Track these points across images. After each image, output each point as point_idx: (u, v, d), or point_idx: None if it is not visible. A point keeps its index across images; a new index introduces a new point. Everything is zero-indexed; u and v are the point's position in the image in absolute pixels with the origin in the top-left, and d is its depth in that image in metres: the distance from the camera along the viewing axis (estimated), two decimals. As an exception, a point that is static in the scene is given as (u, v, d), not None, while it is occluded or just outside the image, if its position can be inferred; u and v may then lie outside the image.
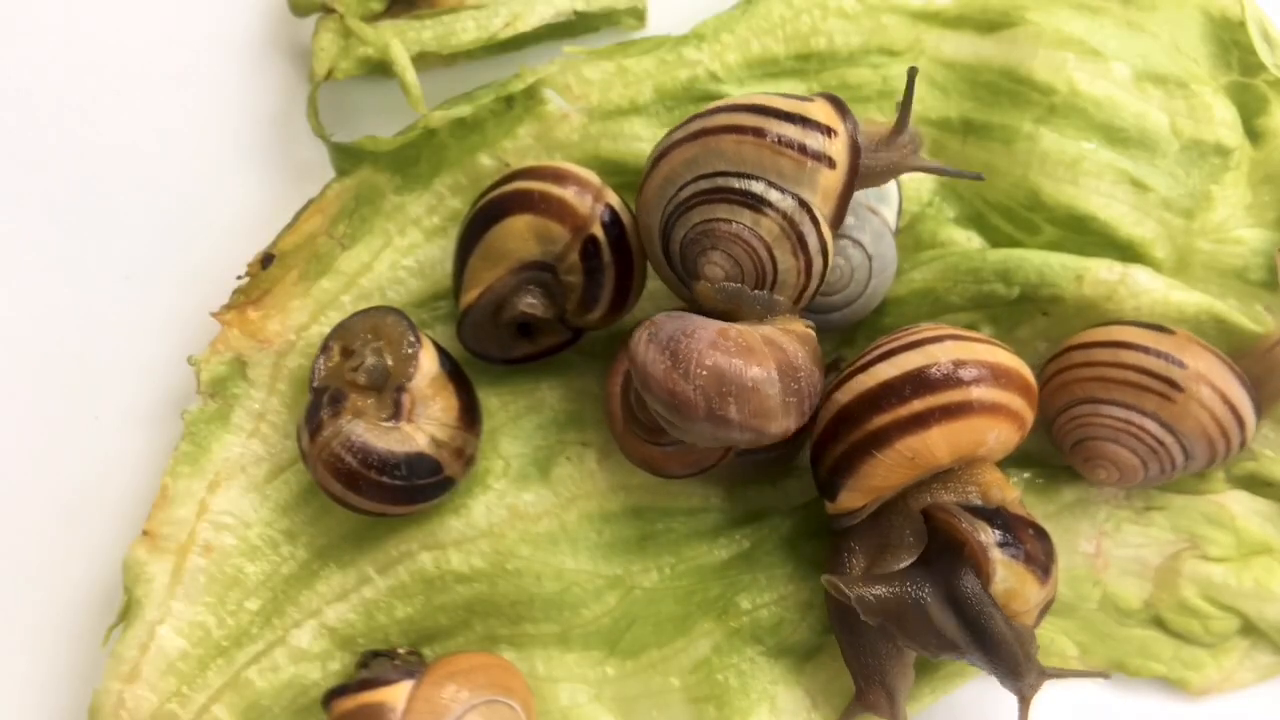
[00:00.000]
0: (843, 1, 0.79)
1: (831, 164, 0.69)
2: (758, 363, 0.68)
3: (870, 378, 0.71)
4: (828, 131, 0.69)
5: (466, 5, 0.81)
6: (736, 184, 0.69)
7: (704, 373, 0.67)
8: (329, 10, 0.80)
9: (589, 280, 0.75)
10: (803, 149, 0.69)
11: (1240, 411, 0.75)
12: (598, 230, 0.74)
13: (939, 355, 0.70)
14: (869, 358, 0.72)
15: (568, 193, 0.74)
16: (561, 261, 0.74)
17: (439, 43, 0.81)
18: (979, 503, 0.72)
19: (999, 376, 0.71)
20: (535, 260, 0.75)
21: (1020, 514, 0.72)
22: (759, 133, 0.69)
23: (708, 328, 0.69)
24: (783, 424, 0.69)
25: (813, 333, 0.72)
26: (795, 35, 0.79)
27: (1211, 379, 0.74)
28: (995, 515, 0.71)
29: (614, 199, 0.75)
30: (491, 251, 0.75)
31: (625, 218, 0.75)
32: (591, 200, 0.74)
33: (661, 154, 0.72)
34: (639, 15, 0.84)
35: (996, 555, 0.69)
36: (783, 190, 0.69)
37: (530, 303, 0.75)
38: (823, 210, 0.70)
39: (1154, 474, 0.76)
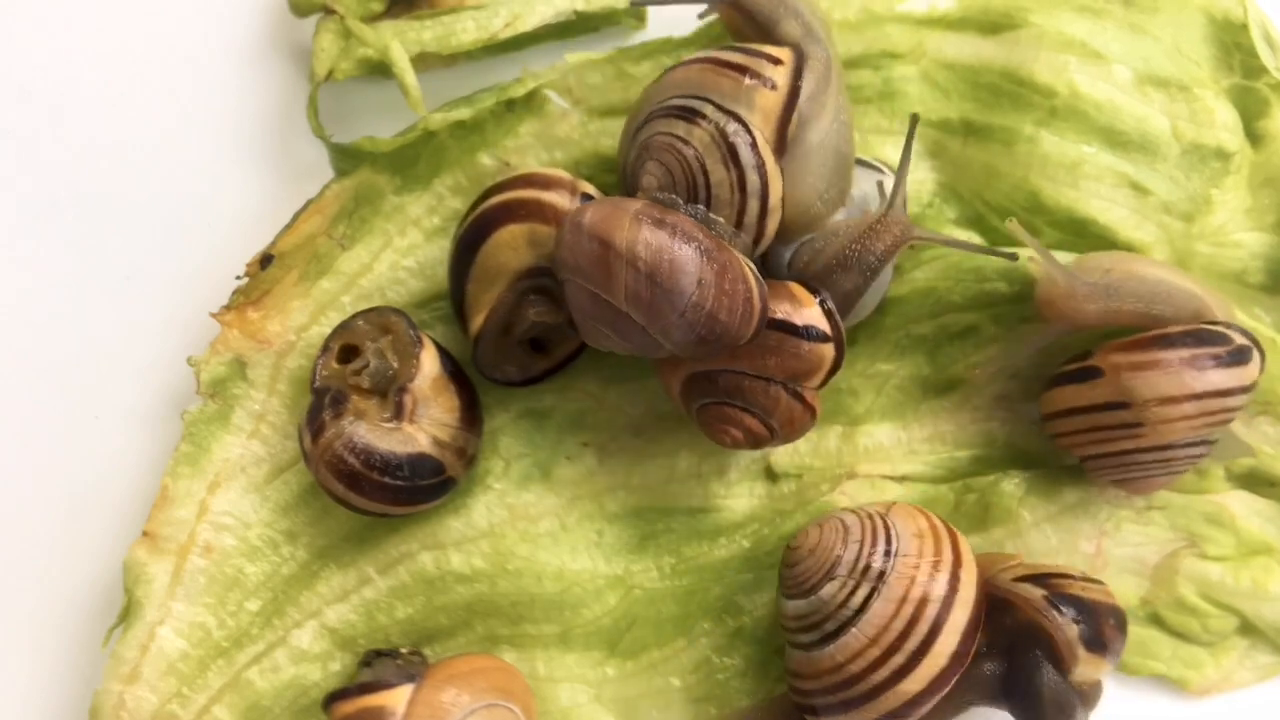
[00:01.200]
0: (845, 11, 0.79)
1: (772, 86, 0.71)
2: (684, 239, 0.68)
3: (864, 659, 0.69)
4: (773, 60, 0.71)
5: (466, 5, 0.81)
6: (678, 102, 0.71)
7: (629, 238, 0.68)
8: (329, 11, 0.80)
9: None
10: (742, 69, 0.71)
11: (1210, 387, 0.72)
12: None
13: (912, 591, 0.69)
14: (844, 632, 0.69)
15: (545, 193, 0.74)
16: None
17: (439, 43, 0.81)
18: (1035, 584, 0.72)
19: (957, 580, 0.70)
20: (531, 267, 0.74)
21: (1097, 599, 0.71)
22: (709, 59, 0.72)
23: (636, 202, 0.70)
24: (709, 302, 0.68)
25: (748, 270, 0.71)
26: (797, 41, 0.79)
27: (1162, 391, 0.72)
28: (1079, 606, 0.70)
29: (588, 187, 0.75)
30: (486, 272, 0.75)
31: None
32: (569, 193, 0.74)
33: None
34: (640, 15, 0.84)
35: (1082, 653, 0.70)
36: (719, 106, 0.71)
37: (539, 311, 0.74)
38: (761, 130, 0.71)
39: (1191, 462, 0.75)
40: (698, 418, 0.74)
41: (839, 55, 0.74)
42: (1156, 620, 0.80)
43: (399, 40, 0.80)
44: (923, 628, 0.68)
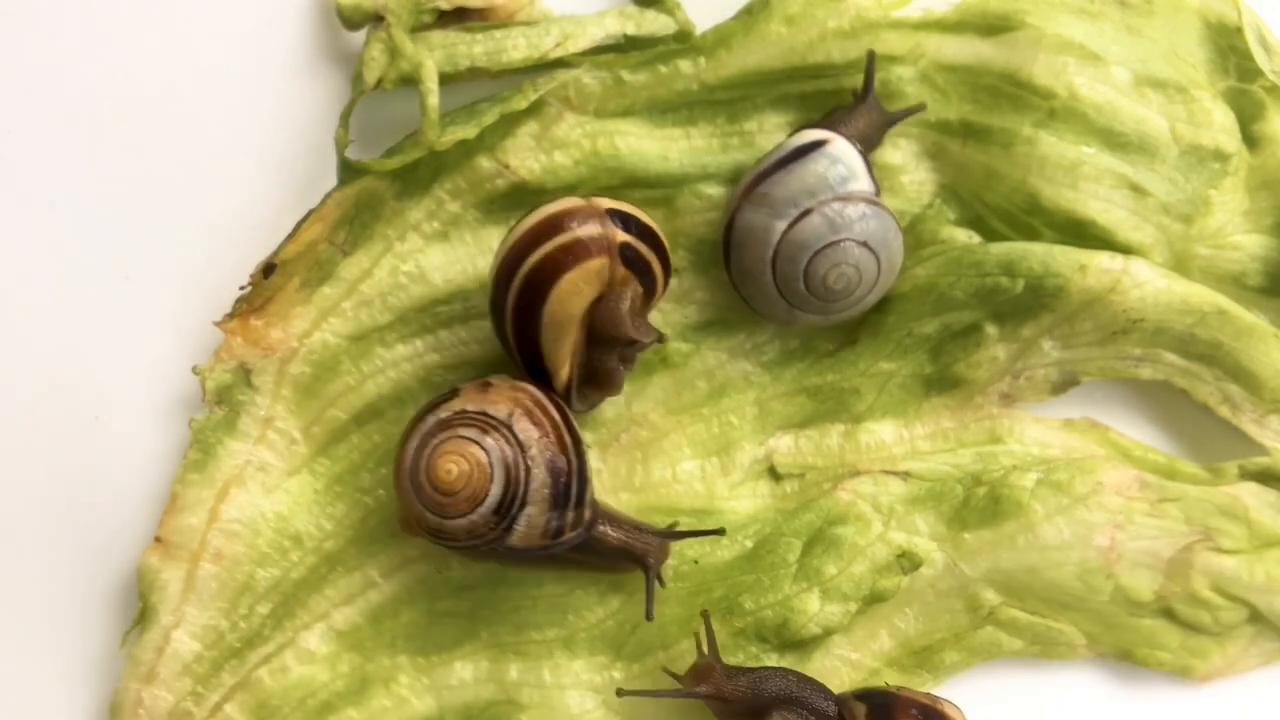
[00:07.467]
0: (840, 20, 0.78)
1: None
2: None
3: None
4: None
5: (517, 21, 0.80)
6: None
7: None
8: (379, 19, 0.79)
9: (642, 278, 0.75)
10: None
11: None
12: (623, 236, 0.74)
13: None
14: None
15: (577, 231, 0.73)
16: (614, 283, 0.74)
17: (489, 59, 0.79)
18: None
19: None
20: (596, 298, 0.74)
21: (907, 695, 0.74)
22: None
23: None
24: None
25: None
26: (793, 50, 0.78)
27: None
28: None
29: (607, 202, 0.75)
30: (557, 325, 0.74)
31: (626, 208, 0.75)
32: (598, 219, 0.74)
33: None
34: (685, 40, 0.81)
35: None
36: None
37: (632, 329, 0.75)
38: None
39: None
40: None
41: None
42: (1168, 613, 0.80)
43: (450, 53, 0.79)
44: None
